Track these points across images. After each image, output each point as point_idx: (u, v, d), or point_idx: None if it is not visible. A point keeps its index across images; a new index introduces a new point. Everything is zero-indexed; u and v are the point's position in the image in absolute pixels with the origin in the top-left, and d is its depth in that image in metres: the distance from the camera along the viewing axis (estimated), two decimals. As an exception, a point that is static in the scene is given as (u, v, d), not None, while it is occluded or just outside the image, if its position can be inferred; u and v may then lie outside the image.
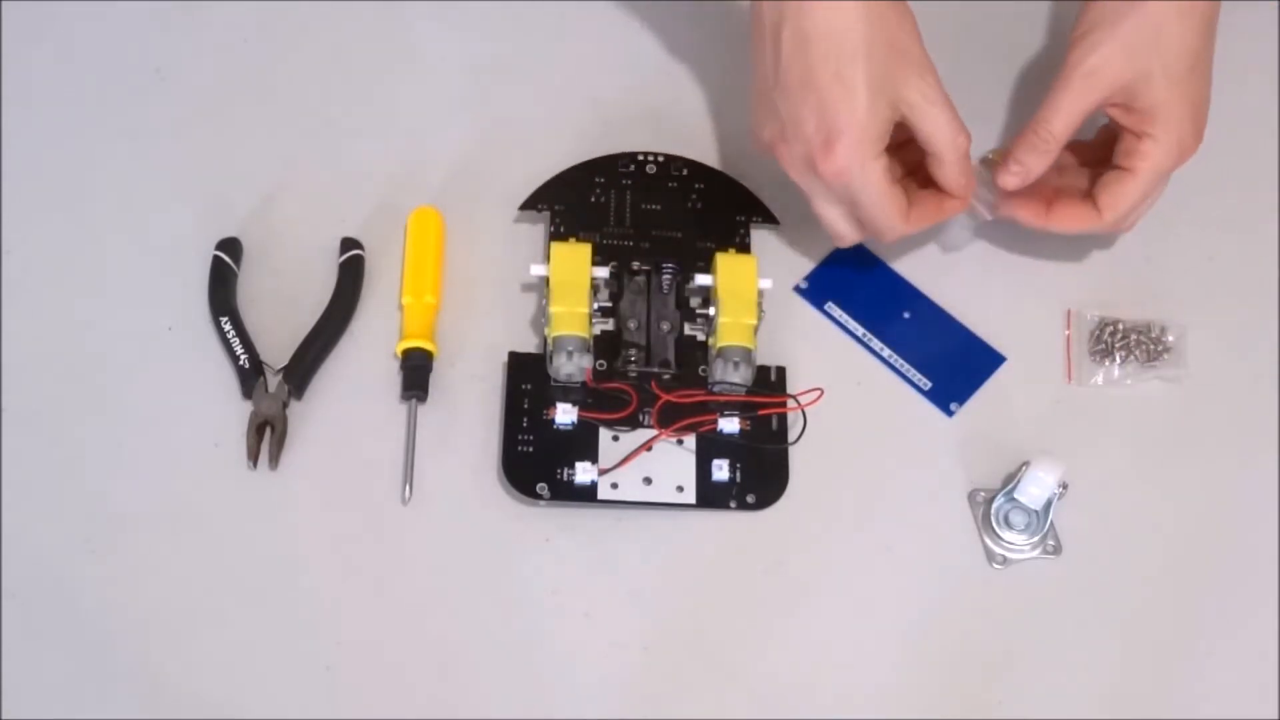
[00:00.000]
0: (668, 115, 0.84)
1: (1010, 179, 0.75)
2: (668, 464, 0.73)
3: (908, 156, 0.75)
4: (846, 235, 0.75)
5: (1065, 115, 0.73)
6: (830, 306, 0.79)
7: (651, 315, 0.77)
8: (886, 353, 0.78)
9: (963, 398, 0.77)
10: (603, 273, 0.75)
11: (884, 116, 0.70)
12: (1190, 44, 0.72)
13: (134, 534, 0.71)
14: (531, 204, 0.79)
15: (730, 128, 0.83)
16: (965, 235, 0.81)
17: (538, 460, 0.73)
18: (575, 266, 0.74)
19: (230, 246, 0.77)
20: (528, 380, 0.75)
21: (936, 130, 0.71)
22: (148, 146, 0.81)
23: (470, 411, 0.75)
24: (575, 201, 0.79)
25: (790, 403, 0.74)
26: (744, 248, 0.79)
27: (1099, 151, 0.77)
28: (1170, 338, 0.79)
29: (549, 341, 0.73)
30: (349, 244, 0.78)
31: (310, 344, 0.75)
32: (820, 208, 0.74)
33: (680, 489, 0.73)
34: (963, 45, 0.84)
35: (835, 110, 0.69)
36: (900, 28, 0.70)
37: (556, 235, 0.78)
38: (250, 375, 0.74)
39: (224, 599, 0.70)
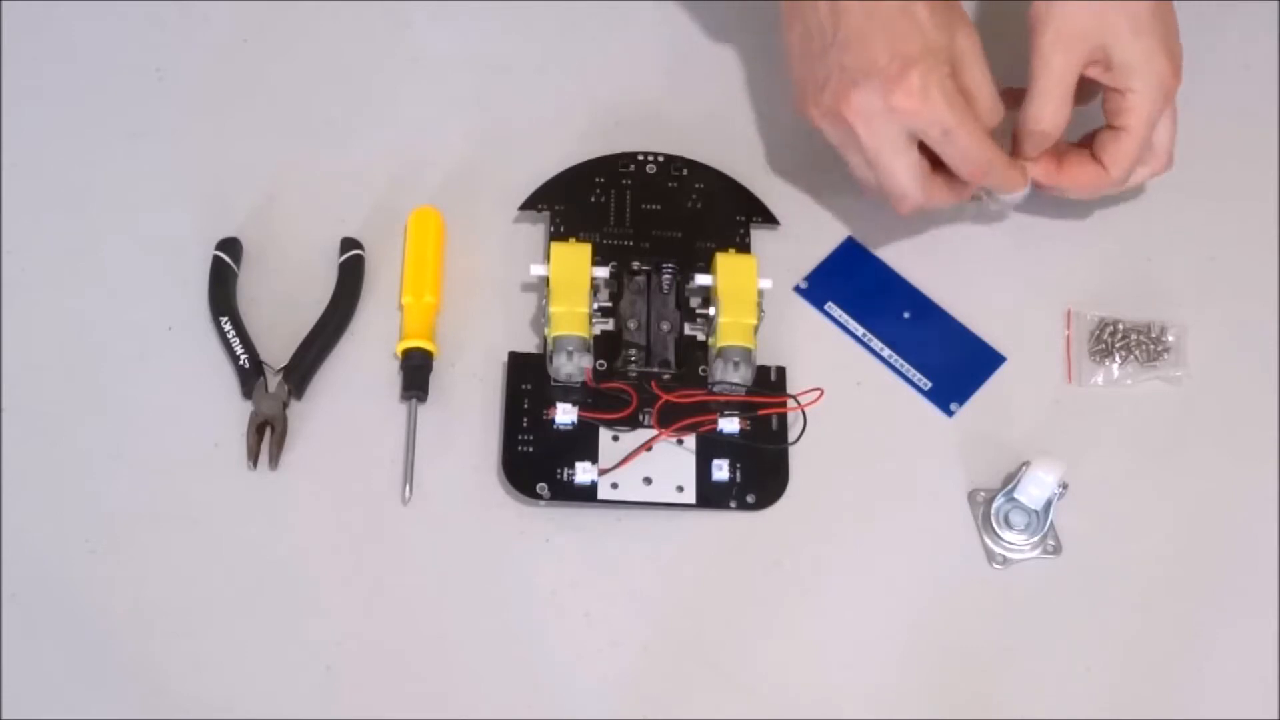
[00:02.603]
0: (668, 115, 0.84)
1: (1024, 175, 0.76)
2: (668, 464, 0.73)
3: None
4: (914, 195, 0.74)
5: (1055, 102, 0.73)
6: (830, 306, 0.79)
7: (651, 315, 0.77)
8: (886, 353, 0.78)
9: (963, 398, 0.77)
10: (603, 273, 0.75)
11: (947, 46, 0.71)
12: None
13: (134, 534, 0.71)
14: (531, 204, 0.79)
15: (730, 128, 0.83)
16: (1009, 204, 0.79)
17: (538, 460, 0.73)
18: (575, 266, 0.74)
19: (230, 246, 0.77)
20: (528, 380, 0.75)
21: (976, 87, 0.72)
22: (147, 146, 0.81)
23: (470, 411, 0.75)
24: (575, 201, 0.79)
25: (790, 403, 0.74)
26: (744, 248, 0.79)
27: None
28: (1170, 338, 0.79)
29: (549, 341, 0.73)
30: (349, 244, 0.78)
31: (310, 344, 0.75)
32: (890, 161, 0.72)
33: (680, 489, 0.73)
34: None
35: (906, 38, 0.70)
36: None
37: (556, 235, 0.78)
38: (250, 375, 0.74)
39: (224, 599, 0.70)
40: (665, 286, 0.77)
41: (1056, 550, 0.73)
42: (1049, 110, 0.74)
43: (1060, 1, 0.72)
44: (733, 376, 0.73)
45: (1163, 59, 0.73)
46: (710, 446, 0.74)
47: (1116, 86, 0.74)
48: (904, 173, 0.73)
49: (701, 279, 0.76)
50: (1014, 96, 0.76)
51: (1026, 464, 0.73)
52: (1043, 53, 0.73)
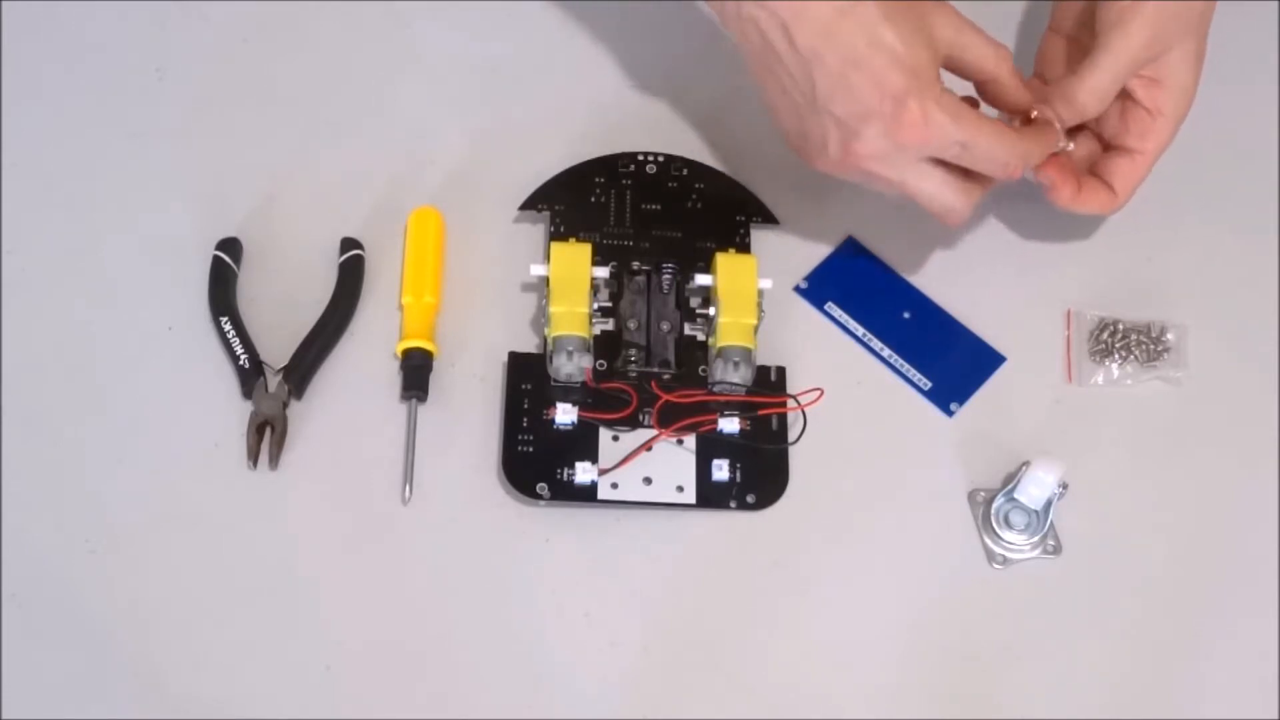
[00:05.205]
0: (668, 115, 0.84)
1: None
2: (668, 464, 0.73)
3: None
4: (957, 206, 0.72)
5: (1109, 83, 0.72)
6: (830, 306, 0.79)
7: (651, 315, 0.77)
8: (886, 353, 0.78)
9: (963, 398, 0.77)
10: (603, 273, 0.75)
11: (930, 60, 0.68)
12: (1206, 15, 0.72)
13: (134, 534, 0.71)
14: (531, 204, 0.79)
15: (730, 128, 0.83)
16: None
17: (538, 460, 0.73)
18: (575, 266, 0.74)
19: (230, 246, 0.77)
20: (528, 380, 0.75)
21: (980, 54, 0.71)
22: (148, 146, 0.81)
23: (470, 411, 0.75)
24: (575, 201, 0.79)
25: (790, 403, 0.74)
26: (744, 248, 0.79)
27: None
28: (1170, 338, 0.79)
29: (549, 341, 0.73)
30: (349, 244, 0.78)
31: (310, 344, 0.75)
32: (919, 186, 0.71)
33: (680, 489, 0.73)
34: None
35: (886, 74, 0.67)
36: None
37: (556, 235, 0.78)
38: (250, 375, 0.74)
39: (224, 599, 0.70)
40: (665, 286, 0.77)
41: (1056, 550, 0.73)
42: (1102, 86, 0.72)
43: (1158, 2, 0.71)
44: (733, 376, 0.73)
45: (1193, 87, 0.73)
46: (710, 446, 0.74)
47: (1151, 107, 0.73)
48: (938, 192, 0.71)
49: (701, 279, 0.76)
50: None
51: (1026, 464, 0.73)
52: (1122, 34, 0.71)
